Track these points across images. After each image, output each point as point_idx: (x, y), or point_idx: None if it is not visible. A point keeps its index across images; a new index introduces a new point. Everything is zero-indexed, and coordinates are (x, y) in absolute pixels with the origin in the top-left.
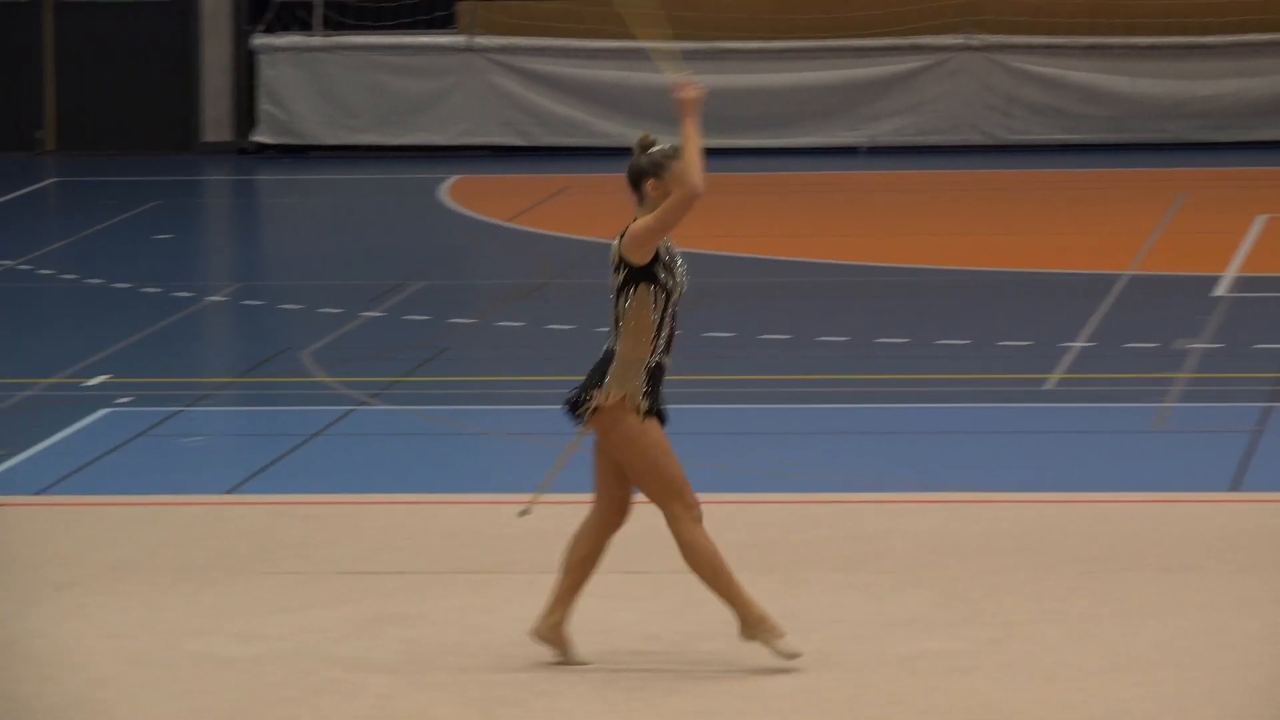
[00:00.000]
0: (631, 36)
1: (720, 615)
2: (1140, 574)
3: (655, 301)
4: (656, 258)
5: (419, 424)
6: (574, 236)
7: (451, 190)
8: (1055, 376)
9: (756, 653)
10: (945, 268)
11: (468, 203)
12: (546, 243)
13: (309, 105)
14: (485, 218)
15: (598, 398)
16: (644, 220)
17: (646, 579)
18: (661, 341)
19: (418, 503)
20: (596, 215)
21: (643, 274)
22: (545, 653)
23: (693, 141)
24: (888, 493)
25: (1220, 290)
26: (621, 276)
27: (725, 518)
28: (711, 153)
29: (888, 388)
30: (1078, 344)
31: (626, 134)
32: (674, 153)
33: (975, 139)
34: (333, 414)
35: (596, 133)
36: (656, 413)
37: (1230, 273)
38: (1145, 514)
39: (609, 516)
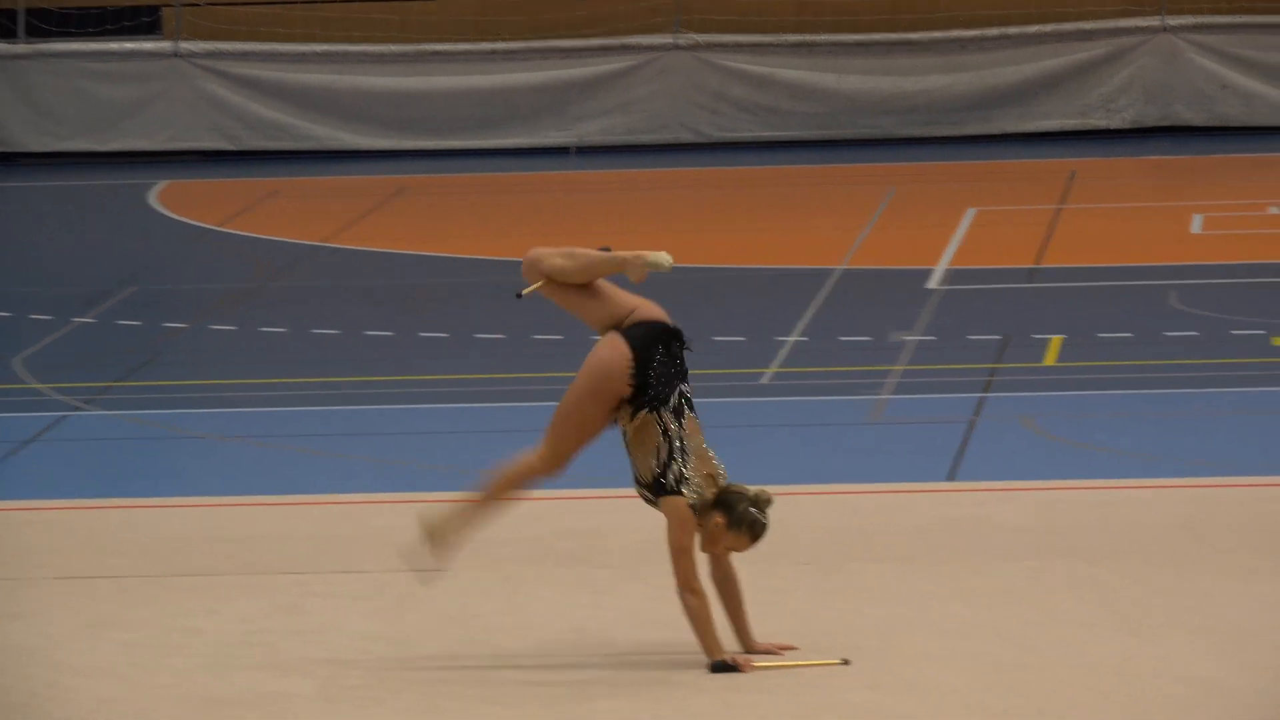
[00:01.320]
0: (339, 40)
1: (442, 613)
2: (860, 565)
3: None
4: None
5: (133, 429)
6: (285, 240)
7: (161, 195)
8: (771, 370)
9: (485, 646)
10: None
11: (177, 208)
12: (258, 246)
13: (13, 112)
14: (196, 222)
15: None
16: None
17: (368, 578)
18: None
19: (133, 507)
20: (307, 218)
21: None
22: (269, 651)
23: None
24: (604, 489)
25: (932, 283)
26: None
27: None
28: (420, 154)
29: None
30: (792, 338)
31: (336, 137)
32: (760, 531)
33: (685, 137)
34: (46, 420)
35: (305, 136)
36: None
37: (942, 265)
38: (864, 505)
39: (553, 461)
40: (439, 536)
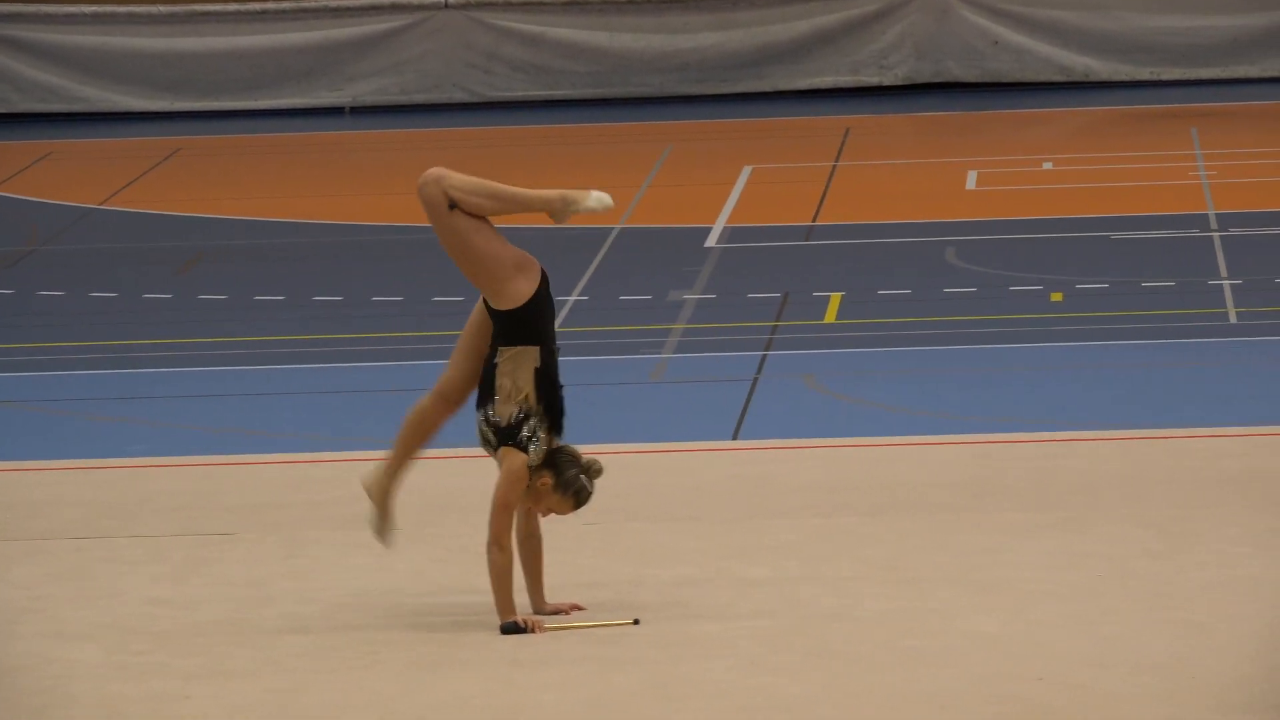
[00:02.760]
0: (110, 2)
1: (227, 577)
2: (642, 524)
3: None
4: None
5: None
6: (58, 202)
7: None
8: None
9: (270, 609)
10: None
11: None
12: (31, 209)
13: None
14: None
15: None
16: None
17: (150, 543)
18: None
19: None
20: (79, 180)
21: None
22: (53, 617)
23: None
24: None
25: (711, 241)
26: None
27: (231, 478)
28: (194, 115)
29: (382, 345)
30: (573, 298)
31: (107, 98)
32: (586, 498)
33: (459, 97)
34: None
35: (77, 98)
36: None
37: (719, 223)
38: (648, 465)
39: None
40: (380, 497)
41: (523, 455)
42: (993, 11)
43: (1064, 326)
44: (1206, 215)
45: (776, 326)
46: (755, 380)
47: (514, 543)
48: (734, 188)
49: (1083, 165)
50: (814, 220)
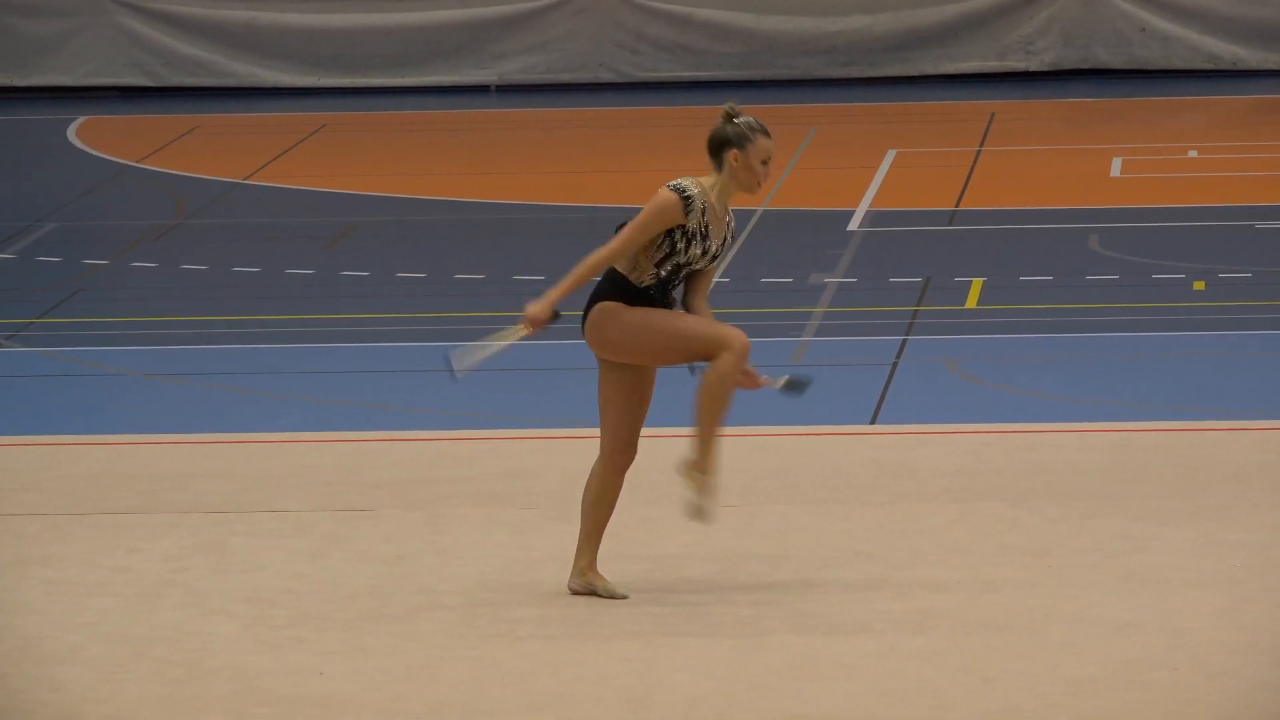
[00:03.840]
0: None
1: (367, 553)
2: (783, 506)
3: (659, 247)
4: (684, 230)
5: (55, 365)
6: (204, 176)
7: (79, 131)
8: None
9: (410, 585)
10: (579, 205)
11: (96, 144)
12: (177, 183)
13: None
14: (115, 158)
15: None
16: (651, 222)
17: (292, 518)
18: (658, 279)
19: (59, 444)
20: (225, 155)
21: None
22: (193, 590)
23: (569, 284)
24: (528, 429)
25: (853, 225)
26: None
27: (373, 454)
28: (341, 92)
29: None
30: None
31: (255, 73)
32: (759, 127)
33: (605, 76)
34: None
35: (224, 73)
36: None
37: (862, 207)
38: (786, 447)
39: (625, 453)
40: (703, 478)
41: (667, 188)
42: None
43: (1206, 315)
44: None
45: (917, 311)
46: (895, 365)
47: (587, 492)
48: (878, 171)
49: (1228, 154)
50: (957, 205)
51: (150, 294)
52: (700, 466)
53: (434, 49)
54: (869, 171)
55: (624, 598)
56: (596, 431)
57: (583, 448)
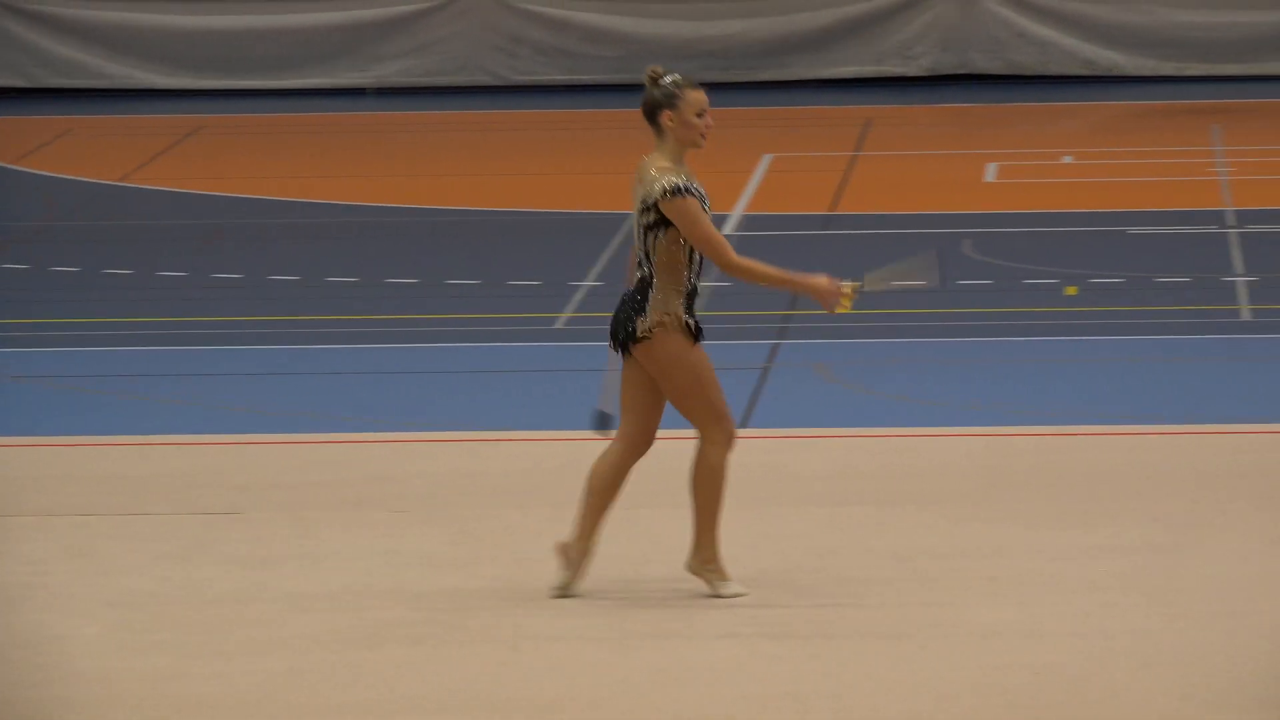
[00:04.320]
0: None
1: (233, 555)
2: (652, 510)
3: (684, 240)
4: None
5: None
6: (78, 178)
7: None
8: (565, 315)
9: (276, 588)
10: (454, 208)
11: None
12: (51, 185)
13: None
14: None
15: (643, 325)
16: (699, 217)
17: (158, 520)
18: (695, 267)
19: None
20: (100, 157)
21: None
22: (56, 593)
23: (778, 280)
24: (396, 433)
25: (728, 229)
26: (652, 217)
27: (240, 458)
28: (218, 94)
29: (398, 327)
30: (587, 283)
31: (132, 75)
32: (686, 82)
33: (483, 80)
34: None
35: (100, 74)
36: (695, 331)
37: (738, 211)
38: (656, 450)
39: (635, 446)
40: (708, 571)
41: (676, 199)
42: (1018, 4)
43: (1078, 320)
44: (1224, 212)
45: (790, 315)
46: (766, 369)
47: (592, 475)
48: (753, 176)
49: (1103, 160)
50: (832, 210)
51: (18, 295)
52: (709, 559)
53: (312, 52)
54: (744, 176)
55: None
56: (462, 435)
57: (451, 451)
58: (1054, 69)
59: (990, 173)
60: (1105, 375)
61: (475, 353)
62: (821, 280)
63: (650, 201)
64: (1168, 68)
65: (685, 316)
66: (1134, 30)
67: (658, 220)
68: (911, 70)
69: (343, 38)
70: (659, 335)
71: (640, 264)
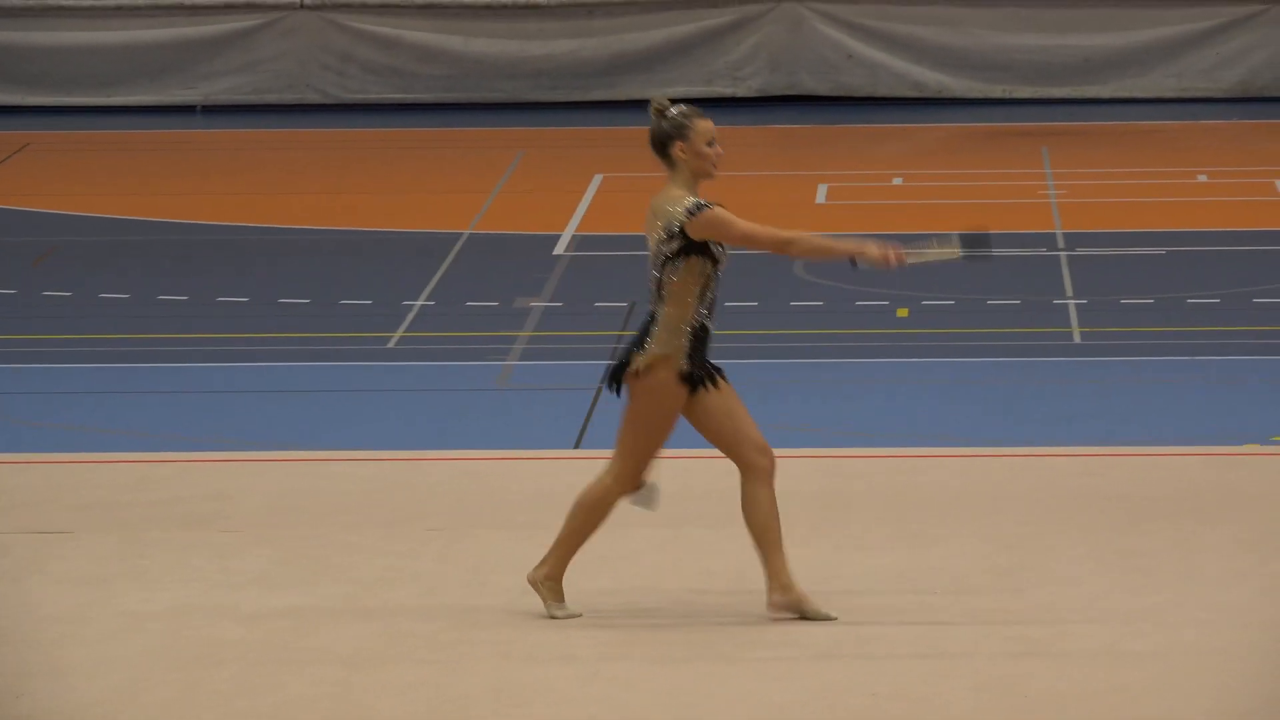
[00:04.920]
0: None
1: (67, 574)
2: (487, 531)
3: (703, 270)
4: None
5: None
6: None
7: None
8: (398, 335)
9: (109, 608)
10: (285, 226)
11: None
12: None
13: None
14: None
15: (638, 360)
16: (732, 220)
17: None
18: (706, 303)
19: None
20: None
21: (698, 246)
22: None
23: (840, 251)
24: (229, 452)
25: (560, 249)
26: (675, 246)
27: (73, 476)
28: (46, 111)
29: (230, 346)
30: (419, 302)
31: None
32: (694, 112)
33: (312, 98)
34: None
35: None
36: (704, 377)
37: (569, 231)
38: (491, 471)
39: (623, 480)
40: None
41: (703, 211)
42: (847, 25)
43: (909, 342)
44: (1054, 234)
45: (622, 335)
46: (599, 389)
47: (578, 502)
48: (584, 196)
49: (933, 182)
50: None
51: None
52: (783, 586)
53: (139, 69)
54: (576, 195)
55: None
56: (295, 455)
57: (284, 470)
58: (883, 91)
59: (821, 194)
60: (938, 397)
61: (307, 372)
62: (872, 247)
63: (675, 229)
64: (997, 90)
65: (684, 361)
66: (963, 53)
67: (682, 248)
68: (741, 91)
69: (171, 55)
70: (648, 373)
71: (650, 297)
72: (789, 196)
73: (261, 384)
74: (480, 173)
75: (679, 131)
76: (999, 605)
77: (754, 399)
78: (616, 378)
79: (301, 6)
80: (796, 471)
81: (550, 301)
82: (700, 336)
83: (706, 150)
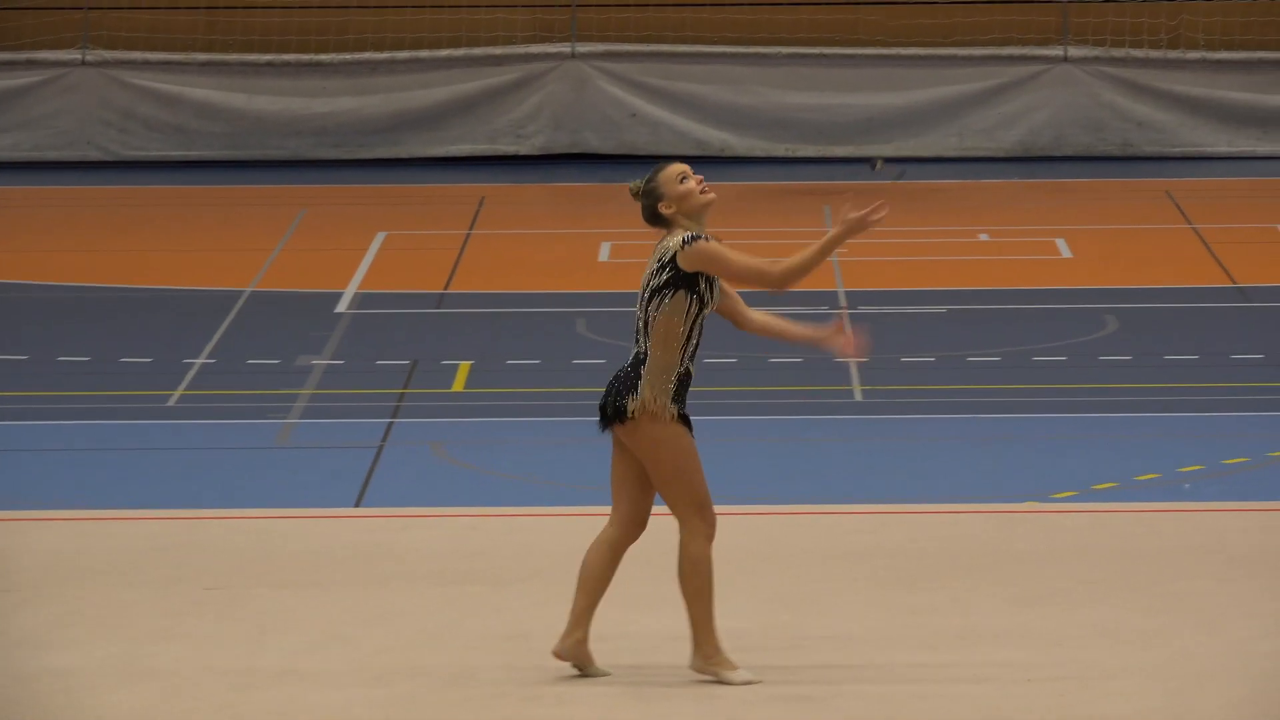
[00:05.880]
0: None
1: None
2: (271, 591)
3: (689, 310)
4: (700, 272)
5: None
6: None
7: None
8: (178, 393)
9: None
10: (65, 284)
11: None
12: None
13: None
14: None
15: (633, 404)
16: (724, 252)
17: None
18: (690, 349)
19: None
20: None
21: (686, 280)
22: None
23: (821, 251)
24: (5, 510)
25: (342, 307)
26: (664, 278)
27: None
28: None
29: (8, 404)
30: (200, 360)
31: None
32: (654, 171)
33: (93, 155)
34: None
35: None
36: (684, 419)
37: (351, 289)
38: (271, 530)
39: (628, 528)
40: (713, 665)
41: (696, 243)
42: (631, 84)
43: (691, 401)
44: (836, 293)
45: (404, 394)
46: (381, 447)
47: (584, 565)
48: (367, 254)
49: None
50: (445, 288)
51: None
52: (712, 653)
53: None
54: (358, 253)
55: (607, 675)
56: (72, 514)
57: (61, 529)
58: (666, 149)
59: (604, 251)
60: (719, 455)
61: (86, 430)
62: (852, 219)
63: (667, 258)
64: (780, 149)
65: (671, 402)
66: (746, 112)
67: (671, 280)
68: (525, 149)
69: None
70: (645, 417)
71: (636, 337)
72: (573, 253)
73: (40, 442)
74: (263, 230)
75: (654, 195)
76: (778, 663)
77: (534, 455)
78: (608, 417)
79: (83, 63)
80: (578, 529)
81: (332, 360)
82: (684, 382)
83: (683, 188)
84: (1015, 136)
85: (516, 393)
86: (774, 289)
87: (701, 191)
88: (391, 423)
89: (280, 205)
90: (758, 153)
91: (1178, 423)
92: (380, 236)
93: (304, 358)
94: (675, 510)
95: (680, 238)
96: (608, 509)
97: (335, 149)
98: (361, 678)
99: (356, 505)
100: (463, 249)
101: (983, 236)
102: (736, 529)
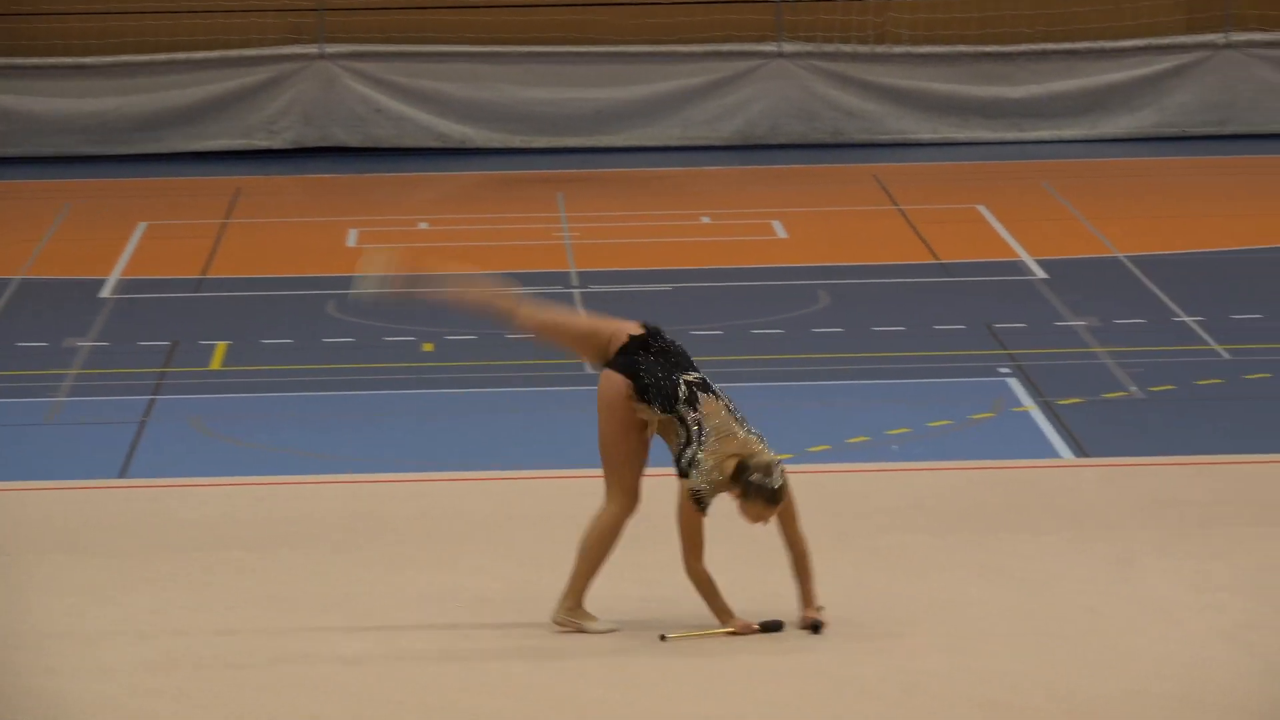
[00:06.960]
0: None
1: None
2: (43, 556)
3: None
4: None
5: None
6: None
7: None
8: None
9: None
10: None
11: None
12: None
13: None
14: None
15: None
16: (691, 521)
17: None
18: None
19: None
20: None
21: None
22: None
23: (715, 604)
24: None
25: (105, 292)
26: (675, 414)
27: None
28: None
29: None
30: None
31: None
32: (779, 491)
33: None
34: None
35: None
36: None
37: (114, 276)
38: (38, 501)
39: (626, 503)
40: (574, 617)
41: (685, 481)
42: (376, 81)
43: (434, 374)
44: (568, 273)
45: (165, 372)
46: (144, 422)
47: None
48: (129, 243)
49: (457, 225)
50: (204, 274)
51: None
52: (570, 605)
53: None
54: (120, 243)
55: (614, 630)
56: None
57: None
58: (409, 142)
59: (352, 237)
60: (462, 425)
61: None
62: (746, 625)
63: (684, 463)
64: (515, 141)
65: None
66: (485, 106)
67: (675, 414)
68: (277, 143)
69: None
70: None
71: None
72: (322, 240)
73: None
74: (30, 222)
75: (749, 496)
76: (520, 617)
77: (291, 428)
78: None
79: None
80: (329, 495)
81: (97, 341)
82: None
83: (752, 518)
84: (734, 126)
85: (271, 369)
86: (684, 565)
87: (753, 523)
88: (154, 399)
89: (46, 199)
90: (495, 144)
91: (886, 389)
92: (142, 226)
93: (71, 339)
94: (610, 477)
95: (700, 480)
96: (362, 477)
97: (99, 144)
98: (125, 637)
99: (120, 476)
100: (220, 237)
101: (705, 219)
102: (482, 494)
